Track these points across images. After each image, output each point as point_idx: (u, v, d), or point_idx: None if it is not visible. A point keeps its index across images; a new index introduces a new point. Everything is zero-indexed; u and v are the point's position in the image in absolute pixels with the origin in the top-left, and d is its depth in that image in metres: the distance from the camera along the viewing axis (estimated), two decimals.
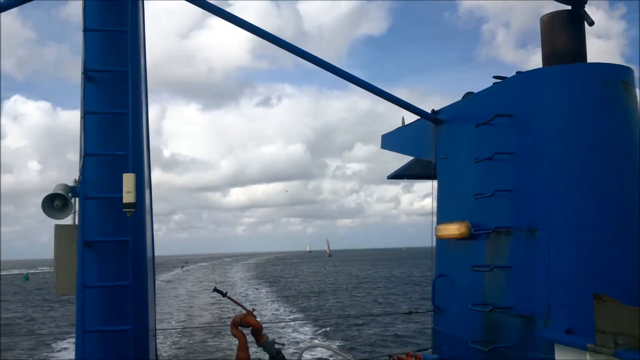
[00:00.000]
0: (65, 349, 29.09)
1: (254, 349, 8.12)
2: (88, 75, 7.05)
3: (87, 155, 6.90)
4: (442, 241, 8.86)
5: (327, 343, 23.84)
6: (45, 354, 28.38)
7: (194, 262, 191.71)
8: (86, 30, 7.04)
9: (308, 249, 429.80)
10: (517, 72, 7.68)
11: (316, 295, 57.91)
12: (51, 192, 6.89)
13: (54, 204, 6.86)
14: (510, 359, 7.03)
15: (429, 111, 9.23)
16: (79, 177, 6.98)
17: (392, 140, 10.80)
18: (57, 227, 7.30)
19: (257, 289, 68.45)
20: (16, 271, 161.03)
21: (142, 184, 7.16)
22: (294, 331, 31.50)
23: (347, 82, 8.86)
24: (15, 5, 7.54)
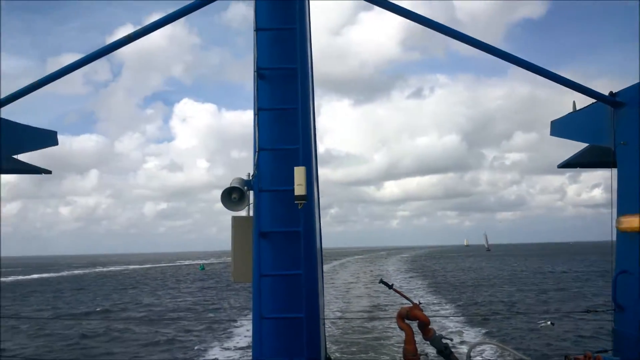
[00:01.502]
0: (240, 328, 31.11)
1: (420, 343, 8.06)
2: (260, 73, 7.31)
3: (262, 150, 7.24)
4: (624, 234, 8.16)
5: (495, 340, 23.01)
6: (224, 336, 30.38)
7: (350, 255, 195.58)
8: (258, 29, 7.28)
9: (465, 243, 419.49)
10: None
11: (478, 290, 56.19)
12: (228, 185, 7.22)
13: (231, 196, 7.19)
14: None
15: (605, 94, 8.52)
16: (254, 171, 7.28)
17: (563, 127, 10.09)
18: (235, 218, 7.67)
19: (412, 281, 68.08)
20: (187, 262, 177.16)
21: (311, 177, 7.34)
22: (455, 325, 30.83)
23: (506, 68, 8.60)
24: (188, 12, 7.99)
